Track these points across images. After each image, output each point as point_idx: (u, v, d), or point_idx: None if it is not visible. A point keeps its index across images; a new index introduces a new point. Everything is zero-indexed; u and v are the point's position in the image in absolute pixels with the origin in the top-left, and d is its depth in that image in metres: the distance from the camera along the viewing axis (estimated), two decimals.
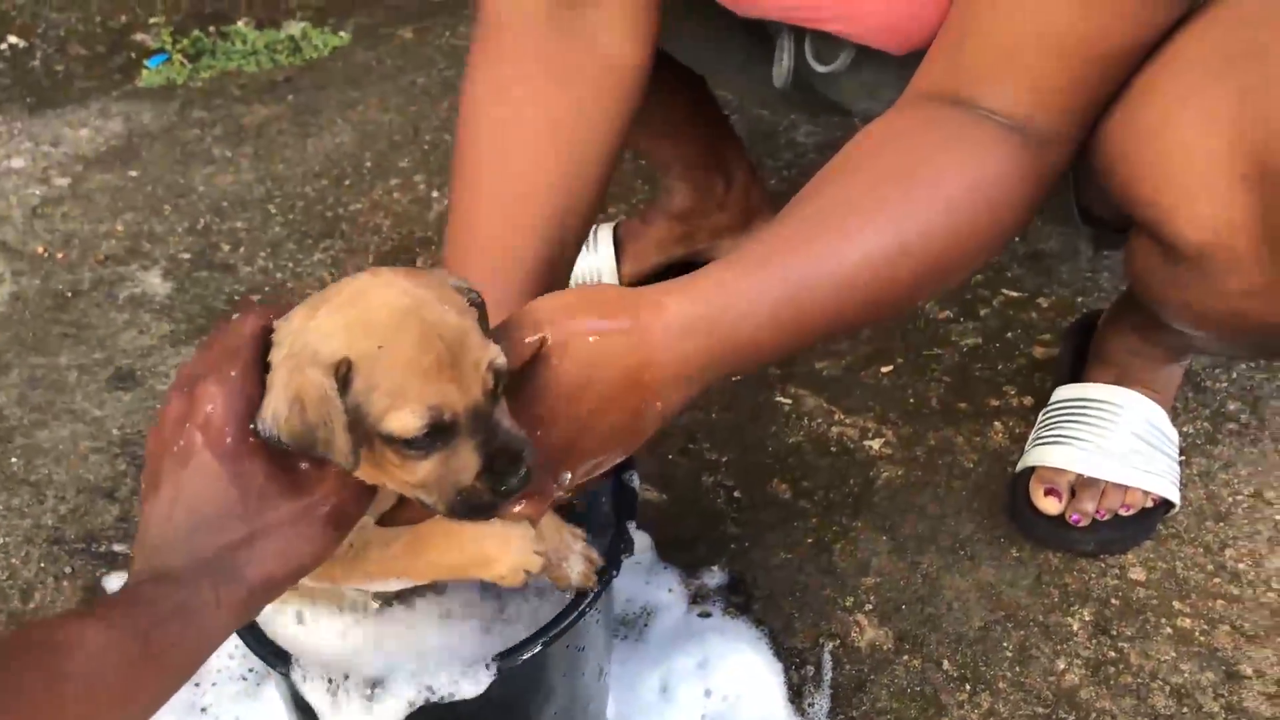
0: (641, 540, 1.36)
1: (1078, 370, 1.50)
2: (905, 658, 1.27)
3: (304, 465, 0.78)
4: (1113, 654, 1.26)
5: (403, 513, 0.89)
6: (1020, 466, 1.42)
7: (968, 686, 1.24)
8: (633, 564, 1.35)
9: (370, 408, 0.73)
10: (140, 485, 0.80)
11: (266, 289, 1.80)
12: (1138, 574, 1.35)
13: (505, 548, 0.89)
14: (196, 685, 1.21)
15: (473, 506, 0.78)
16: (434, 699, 0.92)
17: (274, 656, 0.94)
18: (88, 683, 0.65)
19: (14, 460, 1.53)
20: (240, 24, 2.47)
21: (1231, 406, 1.54)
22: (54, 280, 1.83)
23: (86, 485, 1.49)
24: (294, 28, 2.46)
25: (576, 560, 0.97)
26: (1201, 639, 1.27)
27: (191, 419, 0.75)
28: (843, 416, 1.55)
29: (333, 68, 2.37)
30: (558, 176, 1.11)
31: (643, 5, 1.15)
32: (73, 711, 0.65)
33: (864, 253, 0.93)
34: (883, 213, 0.95)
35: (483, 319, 0.81)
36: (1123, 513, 1.36)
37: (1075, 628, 1.29)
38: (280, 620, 1.00)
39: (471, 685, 0.92)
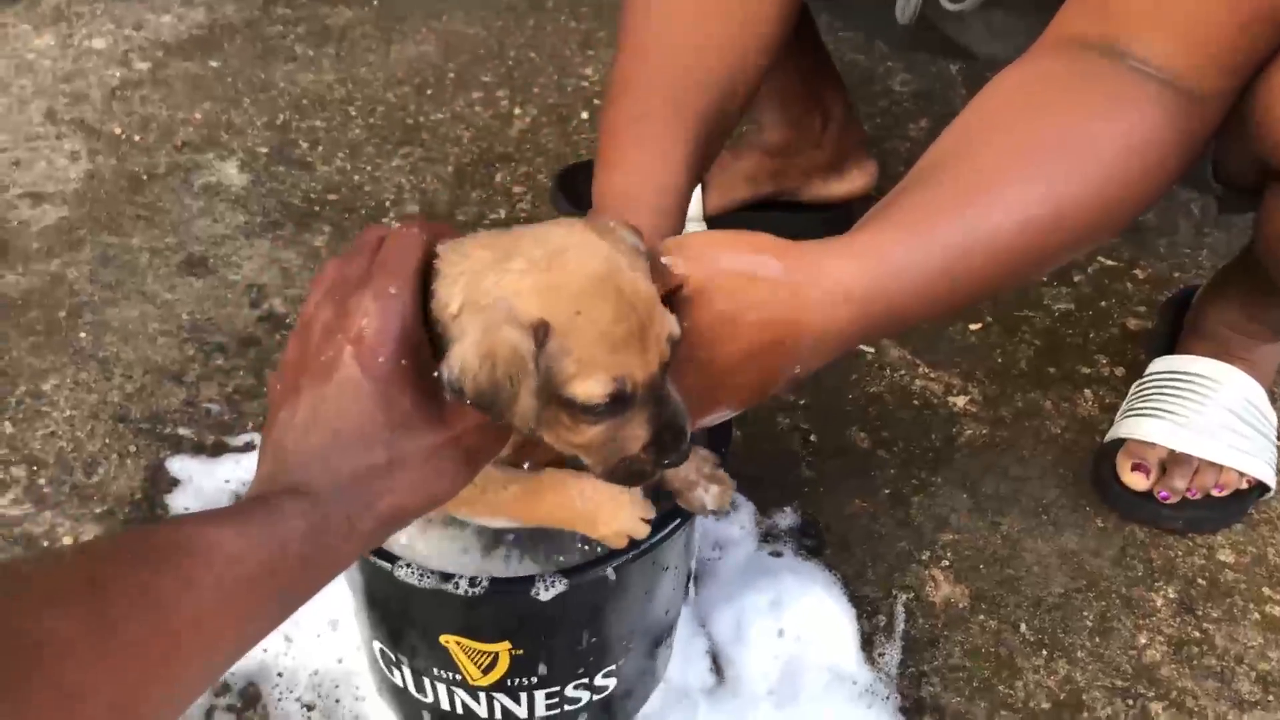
0: None
1: (1173, 344, 1.45)
2: (981, 617, 1.24)
3: (449, 396, 0.74)
4: (1197, 634, 1.22)
5: (529, 452, 0.86)
6: (1109, 437, 1.38)
7: (1044, 652, 1.21)
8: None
9: (558, 372, 0.70)
10: (271, 383, 0.76)
11: (343, 189, 1.76)
12: (1226, 556, 1.30)
13: (616, 512, 0.88)
14: None
15: (630, 474, 0.77)
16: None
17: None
18: (220, 592, 0.61)
19: (83, 335, 1.50)
20: None
21: None
22: (130, 162, 1.80)
23: (154, 366, 1.47)
24: None
25: (710, 485, 0.95)
26: None
27: (343, 331, 0.71)
28: (927, 370, 1.51)
29: None
30: (726, 42, 1.06)
31: None
32: (206, 621, 0.61)
33: (1020, 222, 0.87)
34: (1039, 180, 0.89)
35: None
36: (1215, 493, 1.31)
37: (1159, 604, 1.25)
38: None
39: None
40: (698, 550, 1.28)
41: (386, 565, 0.90)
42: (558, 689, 1.01)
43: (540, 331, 0.69)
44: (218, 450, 1.37)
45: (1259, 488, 1.33)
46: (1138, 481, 1.33)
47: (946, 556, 1.29)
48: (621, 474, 0.77)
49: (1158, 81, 0.92)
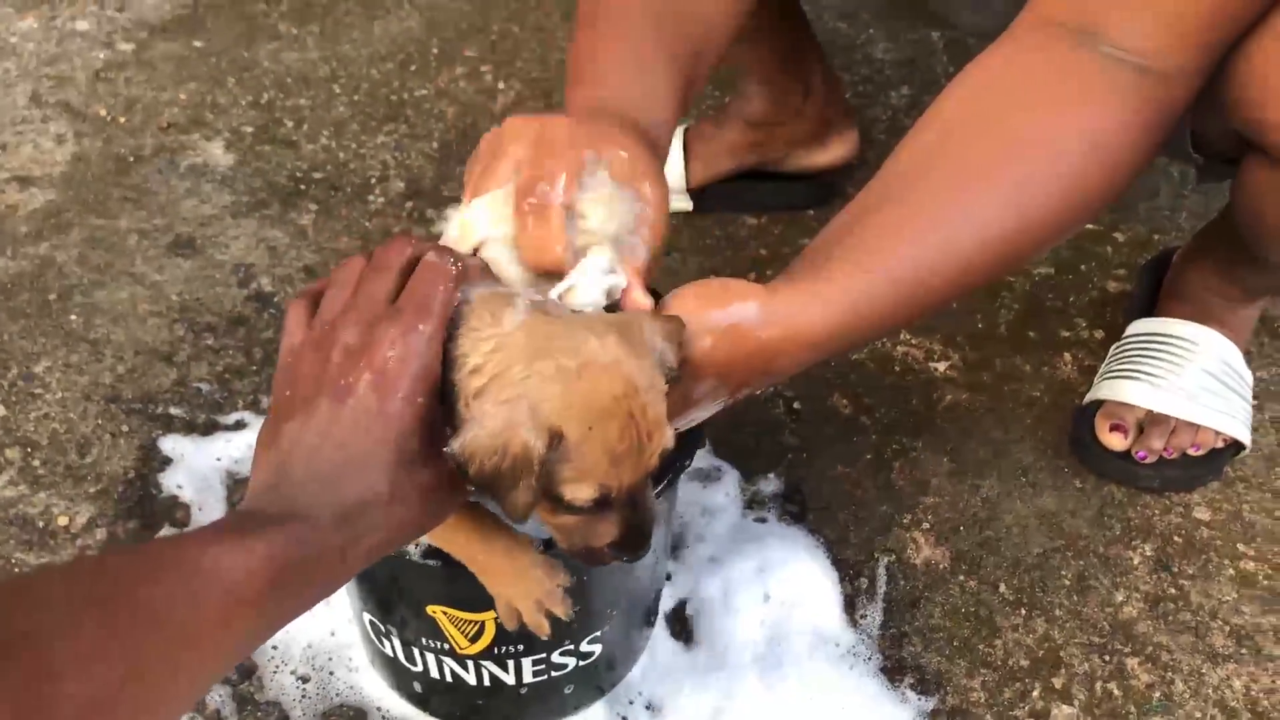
0: None
1: (1151, 307, 1.47)
2: (961, 578, 1.26)
3: (449, 431, 0.75)
4: (1173, 590, 1.25)
5: None
6: (1088, 399, 1.40)
7: (1023, 611, 1.23)
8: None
9: (555, 474, 0.74)
10: (278, 384, 0.76)
11: (329, 167, 1.78)
12: (1202, 514, 1.32)
13: (515, 580, 0.90)
14: None
15: (589, 557, 0.81)
16: None
17: None
18: (220, 611, 0.63)
19: (73, 317, 1.52)
20: None
21: None
22: (116, 144, 1.81)
23: (144, 347, 1.49)
24: None
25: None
26: (1265, 583, 1.25)
27: (366, 359, 0.72)
28: (908, 337, 1.53)
29: None
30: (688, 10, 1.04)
31: None
32: (204, 638, 0.62)
33: (984, 236, 0.89)
34: (1002, 191, 0.90)
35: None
36: (1192, 452, 1.34)
37: (1136, 562, 1.27)
38: None
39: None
40: (684, 517, 1.30)
41: None
42: (544, 655, 1.03)
43: (555, 440, 0.72)
44: (209, 429, 1.39)
45: (1235, 446, 1.35)
46: (1116, 442, 1.35)
47: (927, 519, 1.32)
48: (581, 555, 0.81)
49: (1131, 69, 0.92)
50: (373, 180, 1.76)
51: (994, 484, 1.35)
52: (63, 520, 1.29)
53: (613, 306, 0.81)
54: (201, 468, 1.34)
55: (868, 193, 0.93)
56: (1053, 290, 1.59)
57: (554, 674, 1.05)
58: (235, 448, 1.36)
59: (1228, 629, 1.21)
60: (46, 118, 1.86)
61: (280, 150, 1.81)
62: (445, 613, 0.98)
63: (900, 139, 0.94)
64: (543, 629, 0.91)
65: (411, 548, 0.93)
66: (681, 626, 1.21)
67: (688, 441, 0.81)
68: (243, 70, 1.98)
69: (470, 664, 1.03)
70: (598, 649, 1.06)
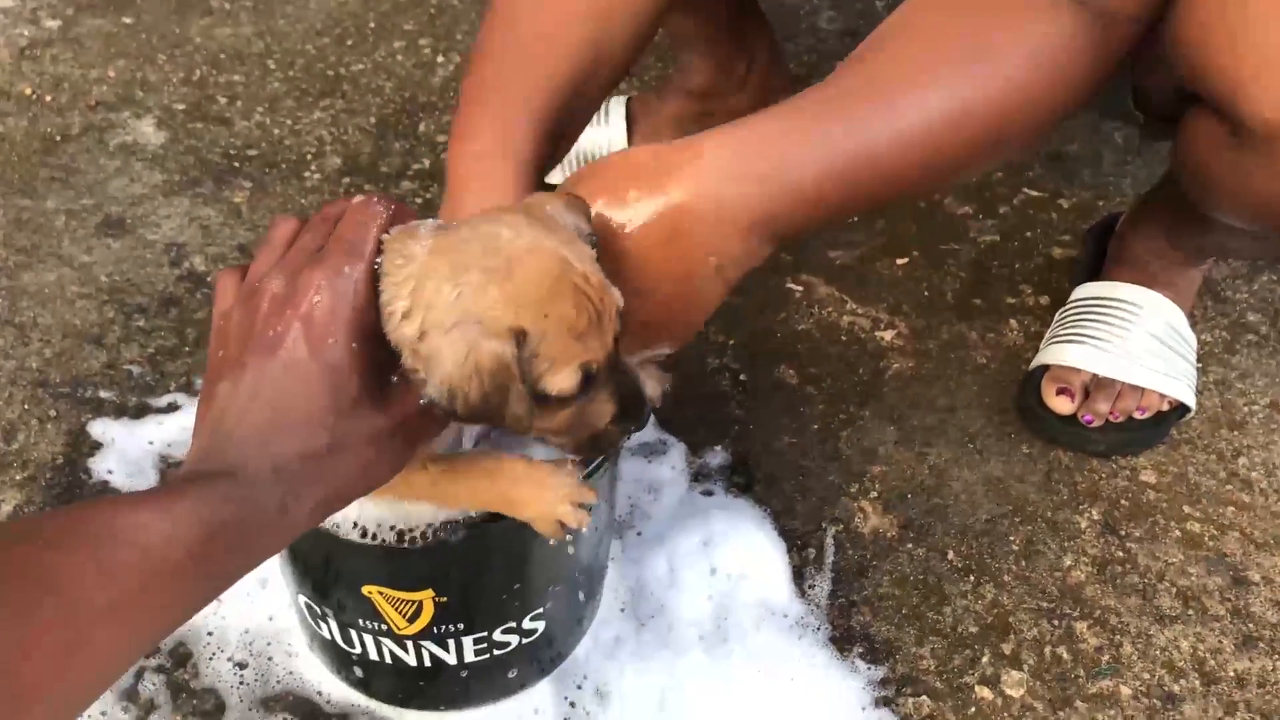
0: None
1: (1096, 272, 1.46)
2: (909, 546, 1.25)
3: (394, 379, 0.73)
4: (1120, 554, 1.25)
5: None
6: (1034, 364, 1.39)
7: (971, 577, 1.22)
8: (636, 441, 1.32)
9: (534, 373, 0.73)
10: (212, 347, 0.73)
11: (264, 144, 1.73)
12: (1149, 477, 1.32)
13: (542, 495, 0.87)
14: None
15: (598, 446, 0.80)
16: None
17: None
18: (140, 578, 0.59)
19: None
20: None
21: (1252, 318, 1.51)
22: (42, 123, 1.76)
23: (73, 330, 1.44)
24: None
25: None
26: (1210, 544, 1.25)
27: (293, 307, 0.69)
28: (855, 306, 1.51)
29: None
30: (590, 21, 1.04)
31: None
32: (122, 608, 0.58)
33: (924, 112, 0.87)
34: (942, 76, 0.89)
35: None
36: (1137, 415, 1.33)
37: (1083, 526, 1.27)
38: None
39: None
40: (630, 497, 1.28)
41: None
42: (485, 634, 1.01)
43: (519, 338, 0.71)
44: (140, 412, 1.35)
45: (1180, 409, 1.35)
46: (1062, 405, 1.34)
47: (875, 488, 1.31)
48: (589, 447, 0.80)
49: (1075, 3, 0.92)
50: (309, 157, 1.72)
51: (941, 451, 1.34)
52: None
53: None
54: (133, 452, 1.30)
55: (813, 87, 0.91)
56: (998, 257, 1.59)
57: (496, 653, 1.03)
58: (168, 431, 1.32)
59: (1174, 590, 1.21)
60: None
61: (213, 127, 1.77)
62: (381, 593, 0.95)
63: None
64: (585, 521, 0.89)
65: (347, 524, 0.90)
66: (628, 603, 1.19)
67: (633, 406, 0.79)
68: (173, 46, 1.93)
69: (410, 645, 1.00)
70: (540, 626, 1.04)
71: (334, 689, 1.12)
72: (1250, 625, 1.18)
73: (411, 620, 0.98)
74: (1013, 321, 1.50)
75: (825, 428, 1.37)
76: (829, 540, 1.25)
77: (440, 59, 1.92)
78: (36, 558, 0.56)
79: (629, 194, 0.84)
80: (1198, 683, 1.14)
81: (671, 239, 0.83)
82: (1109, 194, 1.69)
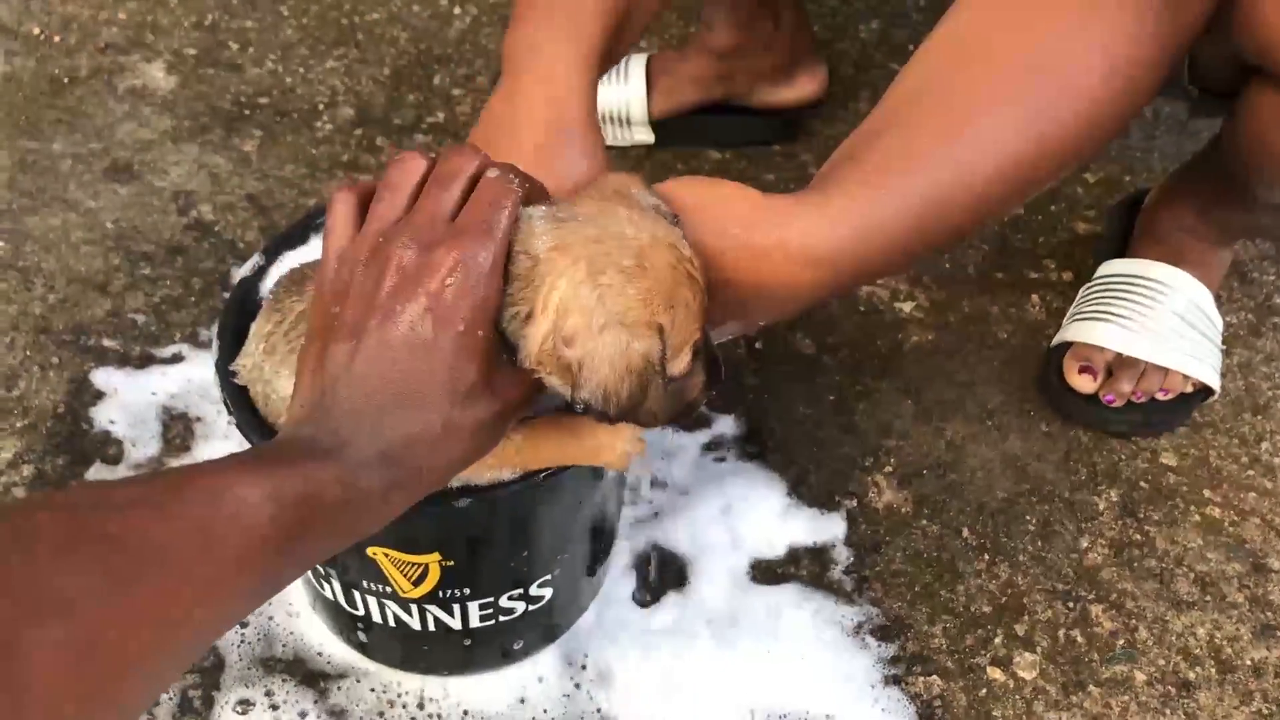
0: None
1: (1122, 248, 1.43)
2: (924, 523, 1.23)
3: (503, 366, 0.71)
4: (1138, 537, 1.22)
5: None
6: (1057, 340, 1.36)
7: (986, 556, 1.20)
8: None
9: (665, 364, 0.74)
10: (322, 304, 0.70)
11: (275, 92, 1.70)
12: (1169, 459, 1.30)
13: (615, 439, 0.88)
14: None
15: (686, 413, 0.82)
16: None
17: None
18: (239, 556, 0.58)
19: (1, 244, 1.45)
20: None
21: (1279, 300, 1.47)
22: (50, 64, 1.72)
23: (77, 276, 1.42)
24: None
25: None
26: (1230, 529, 1.23)
27: (423, 284, 0.67)
28: None
29: None
30: None
31: None
32: (220, 585, 0.57)
33: (999, 163, 0.84)
34: (1018, 112, 0.85)
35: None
36: (1160, 396, 1.31)
37: (1101, 507, 1.25)
38: None
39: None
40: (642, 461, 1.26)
41: None
42: (491, 600, 0.99)
43: (661, 335, 0.72)
44: (144, 362, 1.32)
45: (1203, 391, 1.32)
46: (1084, 384, 1.31)
47: (890, 463, 1.28)
48: (679, 415, 0.81)
49: None
50: (321, 106, 1.69)
51: (959, 427, 1.32)
52: None
53: None
54: (136, 402, 1.28)
55: (872, 120, 0.89)
56: (1021, 231, 1.55)
57: (502, 618, 1.01)
58: (171, 381, 1.30)
59: (1192, 576, 1.19)
60: None
61: (224, 73, 1.73)
62: (387, 554, 0.93)
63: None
64: (644, 449, 0.89)
65: None
66: (636, 574, 1.17)
67: (715, 371, 0.80)
68: None
69: (414, 608, 0.98)
70: (548, 593, 1.02)
71: (335, 650, 1.10)
72: (1269, 614, 1.16)
73: (417, 584, 0.95)
74: (1035, 296, 1.47)
75: (841, 399, 1.34)
76: (842, 514, 1.23)
77: (457, 10, 1.88)
78: (143, 527, 0.55)
79: (716, 216, 0.82)
80: (1213, 670, 1.12)
81: (729, 306, 0.83)
82: (1135, 169, 1.65)
